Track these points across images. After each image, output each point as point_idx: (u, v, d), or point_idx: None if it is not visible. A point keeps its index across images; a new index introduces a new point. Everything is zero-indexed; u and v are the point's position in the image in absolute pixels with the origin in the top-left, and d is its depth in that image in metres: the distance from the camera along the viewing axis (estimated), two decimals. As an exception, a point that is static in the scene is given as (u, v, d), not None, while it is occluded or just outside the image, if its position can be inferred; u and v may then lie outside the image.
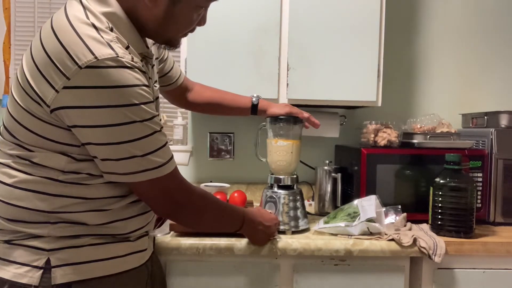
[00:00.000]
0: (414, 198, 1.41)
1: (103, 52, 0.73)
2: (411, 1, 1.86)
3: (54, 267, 0.79)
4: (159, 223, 1.32)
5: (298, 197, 1.30)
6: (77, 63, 0.72)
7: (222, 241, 1.17)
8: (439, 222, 1.27)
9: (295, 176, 1.32)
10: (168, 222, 1.26)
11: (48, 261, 0.79)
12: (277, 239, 1.19)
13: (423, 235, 1.22)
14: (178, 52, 1.56)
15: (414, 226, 1.33)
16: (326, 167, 1.55)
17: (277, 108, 1.31)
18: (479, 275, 1.23)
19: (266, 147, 1.34)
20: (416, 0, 1.86)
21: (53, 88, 0.74)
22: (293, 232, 1.26)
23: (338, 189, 1.49)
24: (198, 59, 1.49)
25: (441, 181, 1.26)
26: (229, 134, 1.80)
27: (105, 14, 0.79)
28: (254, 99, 1.32)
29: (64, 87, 0.73)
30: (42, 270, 0.79)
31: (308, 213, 1.43)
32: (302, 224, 1.28)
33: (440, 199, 1.26)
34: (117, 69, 0.74)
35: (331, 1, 1.50)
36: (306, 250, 1.18)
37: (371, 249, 1.18)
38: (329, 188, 1.54)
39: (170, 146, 0.86)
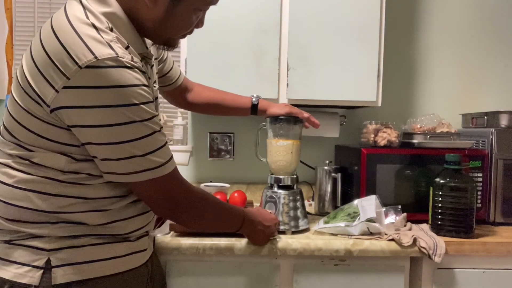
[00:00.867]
0: (414, 198, 1.41)
1: (103, 52, 0.73)
2: (411, 1, 1.86)
3: (54, 267, 0.79)
4: (159, 223, 1.32)
5: (298, 197, 1.30)
6: (77, 63, 0.72)
7: (222, 241, 1.17)
8: (439, 222, 1.27)
9: (295, 176, 1.32)
10: (168, 222, 1.26)
11: (48, 261, 0.79)
12: (277, 239, 1.19)
13: (423, 235, 1.22)
14: (178, 52, 1.57)
15: (414, 226, 1.33)
16: (326, 167, 1.55)
17: (277, 108, 1.31)
18: (479, 275, 1.23)
19: (266, 147, 1.34)
20: (416, 0, 1.86)
21: (53, 88, 0.74)
22: (293, 232, 1.26)
23: (338, 189, 1.49)
24: (198, 59, 1.49)
25: (441, 181, 1.26)
26: (229, 134, 1.80)
27: (105, 14, 0.79)
28: (254, 99, 1.32)
29: (64, 87, 0.73)
30: (42, 270, 0.79)
31: (308, 213, 1.43)
32: (302, 224, 1.28)
33: (440, 199, 1.26)
34: (117, 69, 0.74)
35: (331, 1, 1.50)
36: (306, 250, 1.18)
37: (371, 249, 1.18)
38: (329, 188, 1.54)
39: (170, 146, 0.86)
